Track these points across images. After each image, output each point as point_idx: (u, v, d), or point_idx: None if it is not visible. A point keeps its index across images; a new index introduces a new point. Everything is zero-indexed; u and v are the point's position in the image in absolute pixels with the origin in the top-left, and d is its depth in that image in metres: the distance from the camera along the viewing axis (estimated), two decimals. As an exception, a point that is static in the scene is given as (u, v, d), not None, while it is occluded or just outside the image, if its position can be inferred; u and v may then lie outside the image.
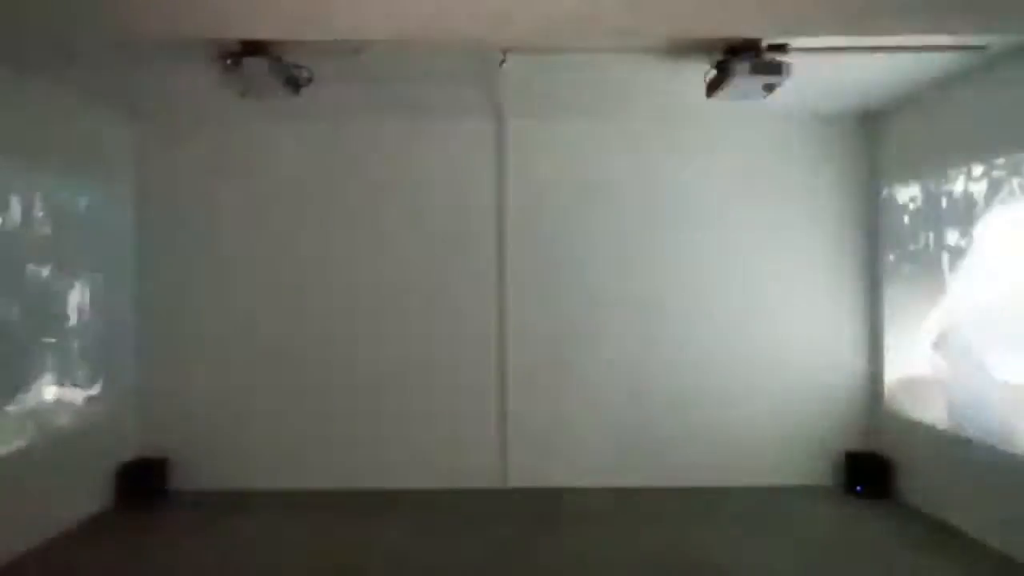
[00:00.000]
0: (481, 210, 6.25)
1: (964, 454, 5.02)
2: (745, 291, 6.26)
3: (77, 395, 5.49)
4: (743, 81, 4.37)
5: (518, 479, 6.18)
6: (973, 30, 4.13)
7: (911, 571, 4.47)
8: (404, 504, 5.78)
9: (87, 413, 5.58)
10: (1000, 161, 4.67)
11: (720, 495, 5.93)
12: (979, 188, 4.89)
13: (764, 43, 4.28)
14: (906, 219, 5.76)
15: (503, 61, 4.61)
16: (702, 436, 6.19)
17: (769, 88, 4.46)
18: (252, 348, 6.23)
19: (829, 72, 4.97)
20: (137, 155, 6.21)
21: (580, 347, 6.25)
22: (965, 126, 5.06)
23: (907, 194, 5.77)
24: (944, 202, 5.28)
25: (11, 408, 4.75)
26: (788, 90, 4.62)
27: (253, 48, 4.24)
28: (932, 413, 5.41)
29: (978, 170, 4.89)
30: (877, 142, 6.18)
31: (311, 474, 6.18)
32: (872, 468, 5.91)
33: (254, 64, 4.24)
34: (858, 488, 5.91)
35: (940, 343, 5.32)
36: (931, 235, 5.43)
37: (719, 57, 4.46)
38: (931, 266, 5.43)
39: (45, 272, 5.16)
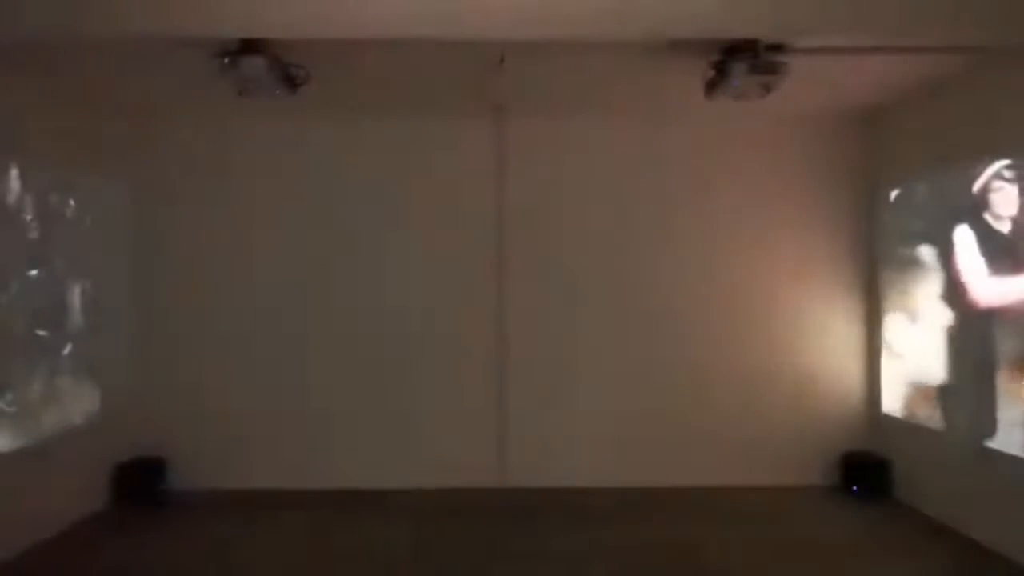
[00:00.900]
0: (481, 209, 6.24)
1: (961, 454, 5.03)
2: (744, 290, 6.25)
3: (74, 394, 5.47)
4: (741, 81, 4.37)
5: (517, 479, 6.18)
6: (972, 34, 4.14)
7: (908, 571, 4.47)
8: (403, 504, 5.77)
9: (84, 413, 5.56)
10: (999, 162, 4.68)
11: (718, 495, 5.93)
12: (977, 188, 4.90)
13: (762, 43, 4.28)
14: (904, 219, 5.76)
15: (502, 60, 4.60)
16: (700, 436, 6.19)
17: (767, 88, 4.46)
18: (250, 348, 6.21)
19: (827, 73, 4.97)
20: (135, 154, 6.18)
21: (580, 347, 6.25)
22: (964, 127, 5.06)
23: (905, 194, 5.77)
24: (942, 202, 5.28)
25: (8, 407, 4.74)
26: (786, 90, 4.62)
27: (251, 47, 4.24)
28: (928, 413, 5.42)
29: (977, 170, 4.90)
30: (875, 143, 6.18)
31: (310, 474, 6.16)
32: (869, 468, 5.91)
33: (252, 63, 4.24)
34: (855, 488, 5.91)
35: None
36: (929, 235, 5.43)
37: (717, 57, 4.46)
38: (929, 266, 5.43)
39: (43, 271, 5.15)
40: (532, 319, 6.23)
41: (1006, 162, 4.62)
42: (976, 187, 4.88)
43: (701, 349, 6.24)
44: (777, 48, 4.32)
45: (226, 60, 4.25)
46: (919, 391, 5.56)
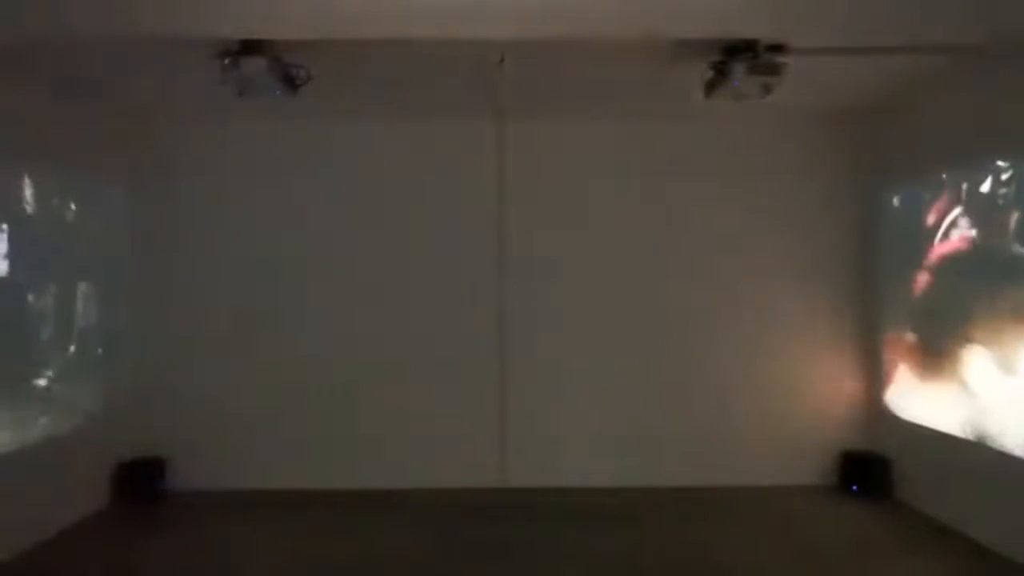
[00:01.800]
0: (481, 209, 6.25)
1: (960, 453, 5.04)
2: (744, 289, 6.26)
3: (74, 395, 5.48)
4: (741, 82, 4.37)
5: (518, 478, 6.18)
6: (972, 33, 4.15)
7: (907, 570, 4.49)
8: (404, 503, 5.78)
9: (84, 413, 5.56)
10: (998, 163, 4.69)
11: (717, 494, 5.94)
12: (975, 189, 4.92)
13: (762, 44, 4.29)
14: (902, 219, 5.77)
15: (502, 61, 4.60)
16: (700, 436, 6.20)
17: (767, 89, 4.46)
18: (250, 348, 6.21)
19: (827, 73, 4.97)
20: (135, 154, 6.17)
21: (580, 346, 6.25)
22: (962, 127, 5.06)
23: (903, 194, 5.78)
24: (941, 202, 5.29)
25: (8, 408, 4.74)
26: (786, 91, 4.62)
27: (251, 47, 4.24)
28: (927, 412, 5.43)
29: (975, 171, 4.91)
30: (873, 143, 6.18)
31: (310, 474, 6.17)
32: (868, 467, 5.93)
33: (252, 63, 4.24)
34: (854, 487, 5.93)
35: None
36: (927, 235, 5.44)
37: (717, 58, 4.46)
38: (927, 266, 5.44)
39: (43, 272, 5.15)
40: (532, 319, 6.24)
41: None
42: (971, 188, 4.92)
43: (700, 348, 6.25)
44: (777, 48, 4.32)
45: (226, 61, 4.25)
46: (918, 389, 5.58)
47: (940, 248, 5.28)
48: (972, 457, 4.90)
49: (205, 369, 6.20)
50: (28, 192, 4.99)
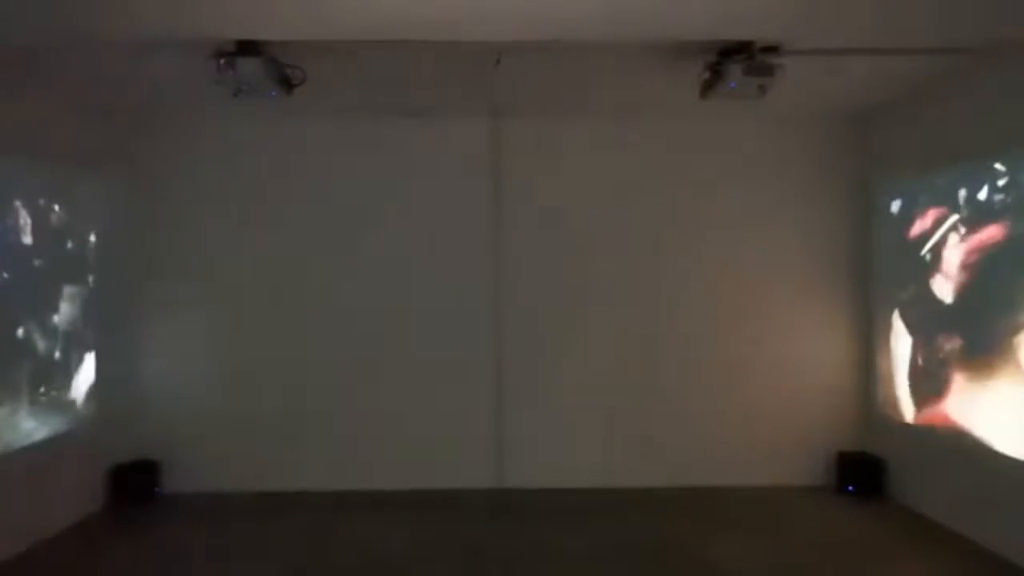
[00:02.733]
0: (478, 210, 6.24)
1: (954, 454, 5.05)
2: (740, 291, 6.27)
3: (71, 397, 5.47)
4: (737, 83, 4.39)
5: (515, 479, 6.18)
6: (967, 34, 4.16)
7: (903, 570, 4.50)
8: (401, 504, 5.77)
9: (81, 415, 5.55)
10: (997, 164, 4.70)
11: (714, 495, 5.95)
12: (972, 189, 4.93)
13: (757, 45, 4.30)
14: (901, 219, 5.78)
15: (498, 61, 4.61)
16: (696, 436, 6.20)
17: (762, 89, 4.47)
18: (248, 350, 6.20)
19: (822, 73, 4.98)
20: (135, 154, 6.15)
21: (578, 347, 6.25)
22: (960, 128, 5.08)
23: (901, 194, 5.79)
24: (940, 203, 5.31)
25: (4, 410, 4.73)
26: (781, 91, 4.64)
27: (247, 48, 4.24)
28: (925, 413, 5.44)
29: (974, 171, 4.92)
30: (871, 143, 6.19)
31: (307, 476, 6.15)
32: (864, 468, 5.94)
33: (247, 64, 4.24)
34: (849, 488, 5.94)
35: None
36: (926, 235, 5.45)
37: (713, 59, 4.47)
38: (925, 265, 5.45)
39: (39, 273, 5.13)
40: (529, 319, 6.24)
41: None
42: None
43: (698, 349, 6.25)
44: (772, 49, 4.33)
45: (222, 61, 4.25)
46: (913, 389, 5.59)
47: (939, 248, 5.29)
48: (967, 458, 4.92)
49: (203, 371, 6.19)
50: (27, 192, 4.98)
